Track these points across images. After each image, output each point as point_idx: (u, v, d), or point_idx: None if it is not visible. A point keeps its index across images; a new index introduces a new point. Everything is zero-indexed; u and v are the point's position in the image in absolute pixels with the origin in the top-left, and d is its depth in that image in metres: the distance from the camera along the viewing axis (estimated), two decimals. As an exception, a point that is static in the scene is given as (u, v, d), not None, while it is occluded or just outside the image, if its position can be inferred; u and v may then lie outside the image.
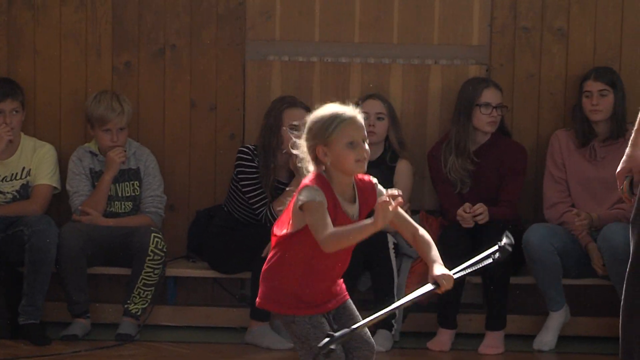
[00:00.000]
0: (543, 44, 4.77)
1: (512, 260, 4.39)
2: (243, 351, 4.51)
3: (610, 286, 4.51)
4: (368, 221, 2.40)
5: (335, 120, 2.56)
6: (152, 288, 4.55)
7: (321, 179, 2.56)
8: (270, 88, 4.83)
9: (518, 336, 4.54)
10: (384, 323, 4.44)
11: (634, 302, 2.97)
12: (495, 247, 2.64)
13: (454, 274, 2.49)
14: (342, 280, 2.83)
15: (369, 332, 2.81)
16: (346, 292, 2.85)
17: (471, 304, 4.58)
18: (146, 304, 4.54)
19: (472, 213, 4.28)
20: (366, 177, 2.71)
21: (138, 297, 4.55)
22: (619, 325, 4.64)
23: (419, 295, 2.54)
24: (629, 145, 3.15)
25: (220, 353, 4.51)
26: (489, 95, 4.58)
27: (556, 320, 4.47)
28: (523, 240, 4.42)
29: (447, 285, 2.45)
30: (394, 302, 4.35)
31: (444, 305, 4.37)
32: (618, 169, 3.17)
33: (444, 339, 4.35)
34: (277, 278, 2.71)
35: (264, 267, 2.75)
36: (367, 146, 2.57)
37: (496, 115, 4.47)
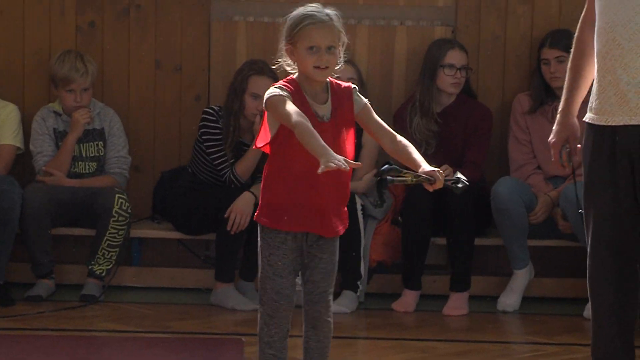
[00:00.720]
0: (509, 5, 4.80)
1: (477, 221, 4.47)
2: (208, 312, 4.55)
3: (574, 248, 4.54)
4: (325, 153, 2.36)
5: (303, 21, 2.55)
6: (117, 249, 4.56)
7: (290, 81, 2.59)
8: (235, 49, 4.81)
9: (482, 297, 4.59)
10: (349, 284, 4.47)
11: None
12: (456, 178, 2.64)
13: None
14: (342, 219, 2.76)
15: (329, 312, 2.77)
16: (337, 231, 2.77)
17: (435, 265, 4.62)
18: (110, 265, 4.56)
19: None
20: (345, 83, 2.74)
21: (102, 258, 4.55)
22: (582, 286, 4.76)
23: (417, 179, 2.55)
24: (559, 112, 3.10)
25: (185, 314, 4.55)
26: (454, 57, 4.62)
27: (520, 281, 4.52)
28: (492, 192, 4.47)
29: (441, 182, 2.45)
30: (360, 263, 4.40)
31: (409, 266, 4.42)
32: (552, 139, 3.11)
33: (408, 300, 4.40)
34: (267, 191, 2.70)
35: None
36: (333, 55, 2.55)
37: (460, 77, 4.51)
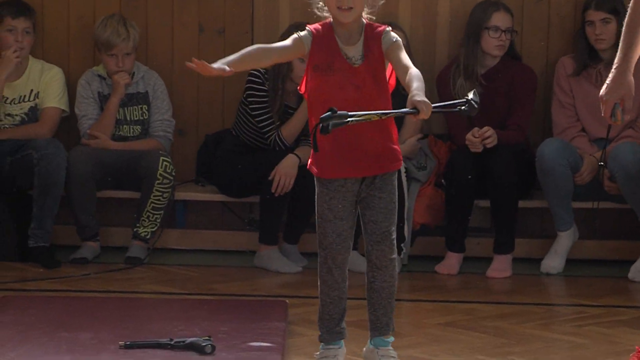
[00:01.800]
0: (553, -35, 4.81)
1: (520, 184, 4.49)
2: (252, 274, 4.59)
3: (619, 209, 4.61)
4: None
5: None
6: (161, 211, 4.62)
7: (323, 24, 2.73)
8: (279, 11, 4.84)
9: (526, 260, 4.61)
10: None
11: None
12: (464, 100, 2.75)
13: (433, 106, 2.60)
14: (392, 156, 2.85)
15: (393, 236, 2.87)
16: (394, 162, 2.88)
17: (479, 227, 4.66)
18: (155, 228, 4.62)
19: (481, 137, 4.33)
20: (381, 26, 2.79)
21: (147, 220, 4.61)
22: (627, 248, 4.73)
23: (396, 113, 2.75)
24: (615, 68, 3.04)
25: (229, 276, 4.59)
26: (499, 19, 4.62)
27: (564, 243, 4.54)
28: (537, 154, 4.46)
29: (425, 113, 2.51)
30: (404, 226, 4.42)
31: (452, 229, 4.45)
32: (605, 95, 3.05)
33: (452, 262, 4.44)
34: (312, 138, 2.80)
35: None
36: None
37: (505, 39, 4.52)
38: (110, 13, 4.82)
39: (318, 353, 3.14)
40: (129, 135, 4.86)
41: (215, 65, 2.57)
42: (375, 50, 2.77)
